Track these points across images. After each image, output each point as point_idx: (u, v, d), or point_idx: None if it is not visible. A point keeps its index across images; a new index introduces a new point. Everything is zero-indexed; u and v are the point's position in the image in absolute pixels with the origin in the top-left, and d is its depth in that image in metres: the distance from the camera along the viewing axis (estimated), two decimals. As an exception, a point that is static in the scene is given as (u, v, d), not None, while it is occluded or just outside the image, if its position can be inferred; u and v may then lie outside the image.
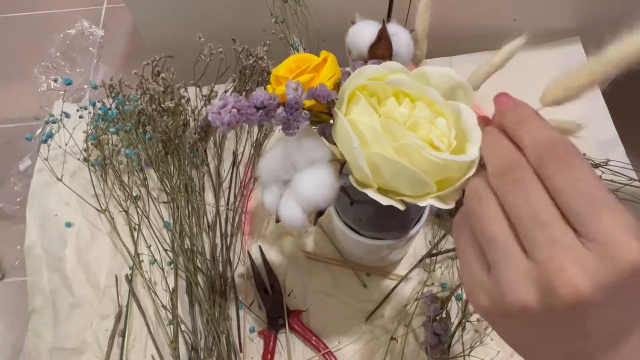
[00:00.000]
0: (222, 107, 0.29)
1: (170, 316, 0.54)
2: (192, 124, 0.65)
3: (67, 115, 0.64)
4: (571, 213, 0.22)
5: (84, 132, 0.64)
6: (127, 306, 0.56)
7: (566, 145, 0.24)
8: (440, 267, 0.57)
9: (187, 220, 0.59)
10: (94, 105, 0.65)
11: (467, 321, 0.53)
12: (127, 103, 0.64)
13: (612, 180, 0.59)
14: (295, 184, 0.33)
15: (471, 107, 0.32)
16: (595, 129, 0.57)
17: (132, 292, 0.57)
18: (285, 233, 0.61)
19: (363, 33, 0.39)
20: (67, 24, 1.40)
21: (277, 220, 0.35)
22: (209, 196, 0.63)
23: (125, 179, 0.63)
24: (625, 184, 0.59)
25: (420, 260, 0.57)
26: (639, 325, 0.24)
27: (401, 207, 0.31)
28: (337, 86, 0.37)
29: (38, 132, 0.74)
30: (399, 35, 0.39)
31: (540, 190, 0.23)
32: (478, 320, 0.54)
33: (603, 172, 0.59)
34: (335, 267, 0.58)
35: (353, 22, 0.41)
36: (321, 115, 0.34)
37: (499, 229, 0.24)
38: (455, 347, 0.52)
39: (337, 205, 0.47)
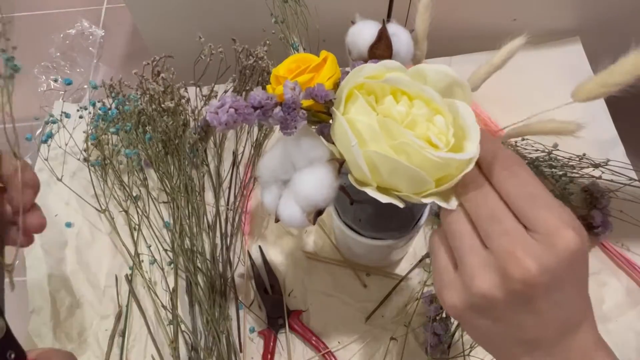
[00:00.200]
0: (220, 107, 0.29)
1: (170, 316, 0.54)
2: (192, 124, 0.65)
3: (67, 116, 0.64)
4: (519, 211, 0.27)
5: (84, 132, 0.64)
6: (127, 306, 0.56)
7: (510, 157, 0.29)
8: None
9: (187, 220, 0.59)
10: (94, 105, 0.65)
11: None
12: (127, 103, 0.64)
13: (612, 180, 0.59)
14: (294, 183, 0.33)
15: (469, 105, 0.32)
16: (595, 129, 0.57)
17: (132, 292, 0.57)
18: (285, 233, 0.61)
19: (363, 33, 0.39)
20: (67, 24, 1.40)
21: (277, 220, 0.35)
22: (209, 196, 0.63)
23: (125, 179, 0.63)
24: (625, 184, 0.59)
25: (420, 260, 0.57)
26: (585, 319, 0.28)
27: (400, 205, 0.31)
28: (337, 86, 0.37)
29: (38, 132, 0.74)
30: (399, 35, 0.39)
31: (494, 195, 0.28)
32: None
33: (603, 172, 0.60)
34: (335, 267, 0.58)
35: (353, 22, 0.41)
36: (320, 115, 0.34)
37: (464, 228, 0.29)
38: (455, 347, 0.52)
39: (337, 205, 0.47)
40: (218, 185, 0.63)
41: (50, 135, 0.62)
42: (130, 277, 0.58)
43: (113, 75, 0.67)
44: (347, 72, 0.37)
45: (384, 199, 0.31)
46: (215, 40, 0.63)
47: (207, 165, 0.64)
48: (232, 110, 0.29)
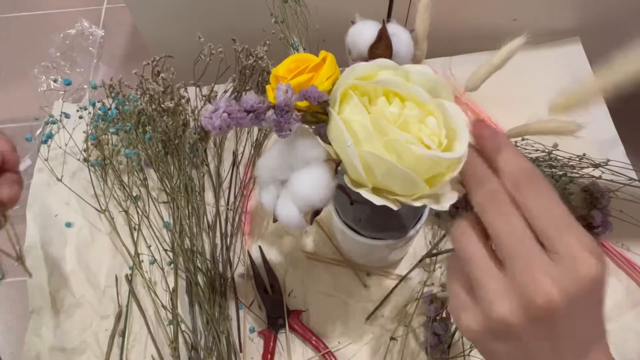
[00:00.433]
0: (214, 112, 0.29)
1: (170, 316, 0.54)
2: (192, 124, 0.65)
3: (67, 116, 0.64)
4: (541, 232, 0.26)
5: (83, 132, 0.64)
6: (127, 306, 0.56)
7: (537, 173, 0.28)
8: (440, 267, 0.57)
9: (187, 220, 0.59)
10: (93, 105, 0.65)
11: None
12: (127, 103, 0.64)
13: (612, 180, 0.59)
14: (292, 184, 0.33)
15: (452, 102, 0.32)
16: (595, 129, 0.57)
17: (132, 292, 0.57)
18: (285, 233, 0.61)
19: (363, 33, 0.39)
20: (67, 24, 1.40)
21: (275, 220, 0.35)
22: (209, 196, 0.63)
23: (125, 179, 0.63)
24: (625, 184, 0.59)
25: (420, 260, 0.57)
26: (597, 340, 0.28)
27: (395, 207, 0.31)
28: (337, 86, 0.37)
29: (38, 132, 0.74)
30: (399, 35, 0.39)
31: (517, 214, 0.27)
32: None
33: (603, 172, 0.60)
34: (335, 267, 0.58)
35: (353, 22, 0.41)
36: (319, 115, 0.34)
37: (477, 251, 0.28)
38: (455, 347, 0.52)
39: (337, 205, 0.47)
40: (218, 185, 0.63)
41: (50, 136, 0.62)
42: (130, 277, 0.58)
43: (113, 75, 0.67)
44: (347, 73, 0.37)
45: (378, 201, 0.31)
46: (215, 40, 0.63)
47: (207, 165, 0.64)
48: (225, 114, 0.29)
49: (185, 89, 0.66)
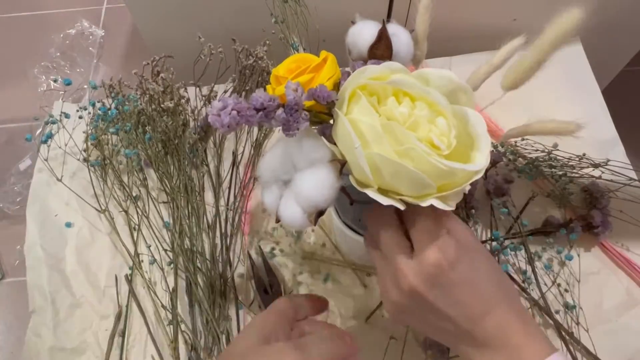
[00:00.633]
0: (222, 109, 0.29)
1: (170, 316, 0.54)
2: (192, 123, 0.65)
3: (67, 116, 0.64)
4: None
5: (83, 132, 0.64)
6: (127, 306, 0.56)
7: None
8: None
9: (187, 221, 0.59)
10: (93, 105, 0.65)
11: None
12: (127, 103, 0.64)
13: (612, 180, 0.59)
14: (296, 184, 0.33)
15: (473, 109, 0.32)
16: (595, 129, 0.57)
17: (132, 292, 0.57)
18: (286, 233, 0.61)
19: (363, 33, 0.39)
20: (67, 24, 1.40)
21: (277, 220, 0.35)
22: (209, 196, 0.63)
23: (125, 179, 0.63)
24: (625, 184, 0.59)
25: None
26: (495, 305, 0.33)
27: (401, 207, 0.31)
28: (337, 86, 0.37)
29: (38, 132, 0.74)
30: (399, 35, 0.39)
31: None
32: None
33: (603, 172, 0.60)
34: (335, 267, 0.58)
35: (353, 22, 0.41)
36: (321, 115, 0.34)
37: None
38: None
39: (337, 205, 0.47)
40: (218, 185, 0.63)
41: (50, 136, 0.62)
42: (130, 277, 0.58)
43: (113, 76, 0.67)
44: (347, 72, 0.37)
45: (385, 200, 0.31)
46: (215, 40, 0.63)
47: (207, 165, 0.64)
48: (234, 112, 0.29)
49: (185, 89, 0.66)
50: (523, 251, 0.57)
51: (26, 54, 1.37)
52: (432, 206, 0.31)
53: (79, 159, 0.64)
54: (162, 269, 0.58)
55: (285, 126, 0.31)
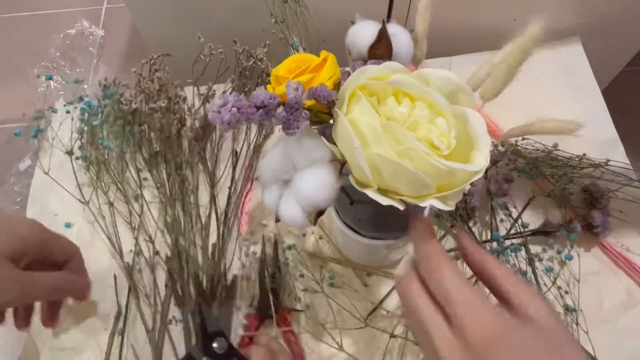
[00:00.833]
0: (223, 106, 0.29)
1: (170, 316, 0.54)
2: (189, 122, 0.65)
3: (55, 111, 0.66)
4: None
5: (77, 132, 0.65)
6: (126, 306, 0.56)
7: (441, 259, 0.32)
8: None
9: (184, 220, 0.59)
10: (80, 100, 0.66)
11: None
12: (123, 102, 0.64)
13: (612, 181, 0.59)
14: (296, 184, 0.33)
15: (473, 110, 0.32)
16: (595, 129, 0.57)
17: (131, 292, 0.57)
18: (286, 233, 0.60)
19: (363, 33, 0.39)
20: (67, 24, 1.40)
21: (277, 220, 0.35)
22: (205, 196, 0.62)
23: (125, 178, 0.63)
24: (625, 184, 0.59)
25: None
26: None
27: (401, 207, 0.31)
28: (337, 86, 0.37)
29: (36, 132, 0.74)
30: (399, 35, 0.39)
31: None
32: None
33: (603, 172, 0.60)
34: (335, 267, 0.58)
35: (353, 22, 0.41)
36: (321, 115, 0.34)
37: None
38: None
39: (337, 205, 0.47)
40: (212, 184, 0.63)
41: (40, 131, 0.64)
42: (129, 277, 0.58)
43: (112, 75, 0.67)
44: (347, 72, 0.37)
45: (384, 200, 0.31)
46: (215, 40, 0.63)
47: (206, 164, 0.64)
48: (234, 109, 0.29)
49: (182, 88, 0.66)
50: (523, 252, 0.57)
51: (26, 54, 1.37)
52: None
53: (67, 152, 0.64)
54: (154, 272, 0.58)
55: (285, 124, 0.31)
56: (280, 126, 0.32)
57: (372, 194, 0.31)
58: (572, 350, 0.29)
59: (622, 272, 0.56)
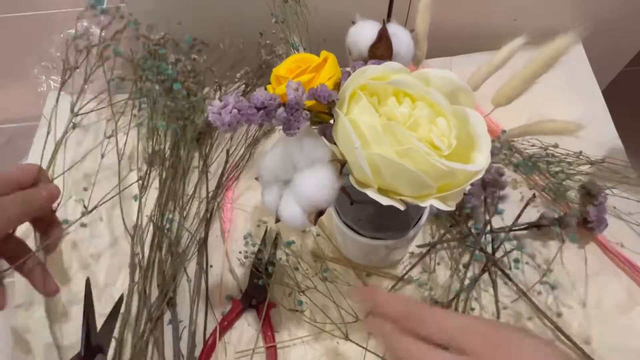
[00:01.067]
0: (223, 108, 0.29)
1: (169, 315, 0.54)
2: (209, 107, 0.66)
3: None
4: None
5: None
6: (126, 305, 0.56)
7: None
8: (439, 264, 0.57)
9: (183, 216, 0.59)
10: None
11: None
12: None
13: (609, 178, 0.59)
14: (296, 184, 0.33)
15: (474, 110, 0.32)
16: (595, 129, 0.57)
17: (131, 291, 0.57)
18: (286, 232, 0.60)
19: (363, 33, 0.39)
20: (67, 24, 1.40)
21: (277, 220, 0.35)
22: (203, 191, 0.63)
23: (125, 176, 0.63)
24: (623, 182, 0.59)
25: (421, 258, 0.57)
26: None
27: (401, 207, 0.31)
28: (338, 86, 0.37)
29: (38, 132, 0.74)
30: (399, 35, 0.39)
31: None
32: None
33: (600, 170, 0.60)
34: (335, 267, 0.58)
35: (353, 22, 0.41)
36: (322, 115, 0.34)
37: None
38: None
39: (337, 205, 0.47)
40: (206, 179, 0.63)
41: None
42: (129, 276, 0.58)
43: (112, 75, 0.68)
44: (348, 72, 0.37)
45: (385, 201, 0.31)
46: (215, 40, 0.64)
47: (205, 165, 0.64)
48: (235, 110, 0.29)
49: (203, 77, 0.67)
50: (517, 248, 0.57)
51: (26, 54, 1.37)
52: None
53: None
54: (162, 267, 0.58)
55: (285, 125, 0.31)
56: (280, 126, 0.32)
57: (372, 194, 0.31)
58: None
59: (622, 272, 0.56)
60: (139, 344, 0.52)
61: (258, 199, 0.63)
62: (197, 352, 0.53)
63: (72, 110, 0.66)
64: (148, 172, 0.63)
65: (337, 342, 0.54)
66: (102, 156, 0.63)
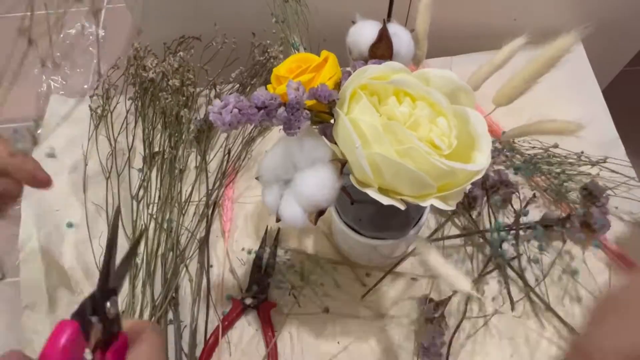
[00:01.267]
0: (224, 107, 0.29)
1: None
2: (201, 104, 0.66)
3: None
4: None
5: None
6: (125, 303, 0.56)
7: None
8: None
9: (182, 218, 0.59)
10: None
11: (465, 318, 0.53)
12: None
13: (611, 179, 0.59)
14: (296, 184, 0.33)
15: (474, 109, 0.32)
16: (595, 129, 0.57)
17: (131, 290, 0.57)
18: (286, 232, 0.60)
19: (364, 33, 0.39)
20: (67, 24, 1.40)
21: (278, 220, 0.35)
22: (202, 190, 0.63)
23: (125, 175, 0.63)
24: (624, 183, 0.59)
25: (412, 251, 0.57)
26: None
27: (402, 207, 0.31)
28: (338, 86, 0.37)
29: (38, 132, 0.74)
30: (399, 35, 0.39)
31: None
32: (477, 320, 0.54)
33: (601, 170, 0.60)
34: (335, 267, 0.58)
35: (354, 22, 0.41)
36: (322, 115, 0.34)
37: None
38: (453, 348, 0.52)
39: (338, 205, 0.47)
40: (204, 166, 0.64)
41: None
42: (129, 276, 0.58)
43: (113, 76, 0.67)
44: (348, 72, 0.37)
45: (385, 200, 0.31)
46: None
47: (205, 164, 0.64)
48: (235, 110, 0.29)
49: (193, 71, 0.67)
50: (523, 248, 0.57)
51: (26, 54, 1.37)
52: None
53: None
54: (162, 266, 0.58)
55: (286, 125, 0.31)
56: (281, 126, 0.32)
57: (373, 193, 0.31)
58: None
59: (622, 272, 0.56)
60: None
61: (258, 199, 0.63)
62: (198, 352, 0.53)
63: (71, 110, 0.66)
64: (148, 170, 0.63)
65: (338, 342, 0.54)
66: (101, 156, 0.63)
